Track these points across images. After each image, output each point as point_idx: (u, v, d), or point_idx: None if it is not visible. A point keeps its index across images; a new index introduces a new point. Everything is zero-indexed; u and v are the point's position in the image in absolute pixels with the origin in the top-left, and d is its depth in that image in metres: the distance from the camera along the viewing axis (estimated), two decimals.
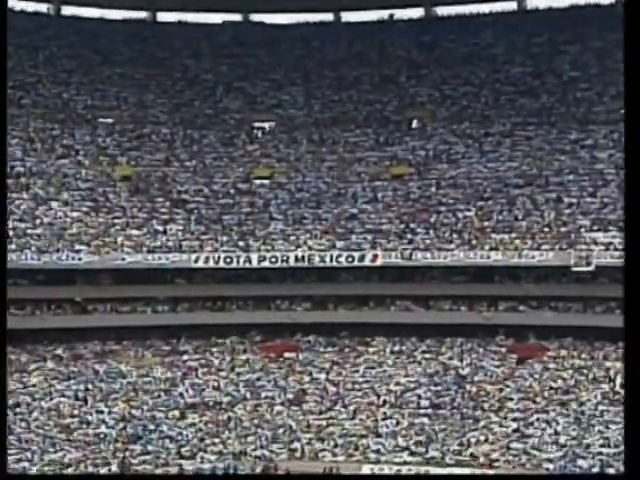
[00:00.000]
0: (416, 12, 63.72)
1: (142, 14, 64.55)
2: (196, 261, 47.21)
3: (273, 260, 47.29)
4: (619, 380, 42.21)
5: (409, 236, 48.57)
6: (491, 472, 37.76)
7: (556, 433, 39.57)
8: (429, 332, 47.18)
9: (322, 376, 45.50)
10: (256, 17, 65.15)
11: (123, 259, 47.17)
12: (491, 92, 57.09)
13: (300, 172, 53.98)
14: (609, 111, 53.32)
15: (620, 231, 45.76)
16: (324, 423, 42.15)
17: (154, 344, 47.73)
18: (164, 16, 64.91)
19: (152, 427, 41.90)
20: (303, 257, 47.19)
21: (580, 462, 37.78)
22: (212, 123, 57.43)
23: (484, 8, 62.34)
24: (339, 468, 39.12)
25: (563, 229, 47.03)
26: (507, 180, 50.96)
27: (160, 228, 49.49)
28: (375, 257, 47.10)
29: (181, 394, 44.39)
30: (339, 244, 48.13)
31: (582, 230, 46.60)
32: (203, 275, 48.22)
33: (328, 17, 64.44)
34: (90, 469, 38.41)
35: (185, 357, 47.02)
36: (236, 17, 65.04)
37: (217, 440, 41.26)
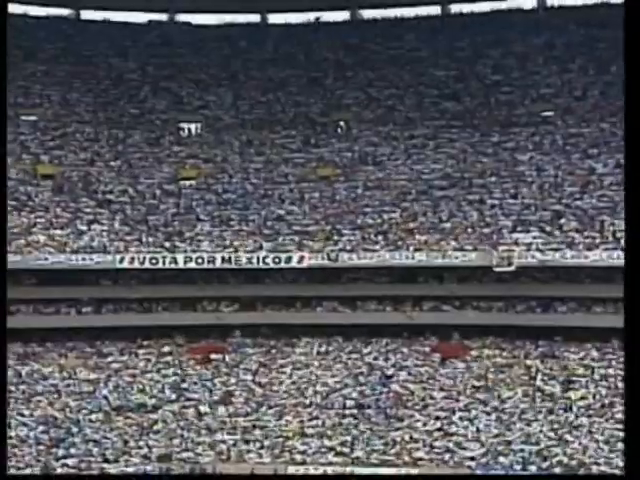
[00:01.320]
0: (342, 15, 64.15)
1: (65, 11, 63.67)
2: (121, 262, 46.82)
3: (199, 261, 47.16)
4: (539, 377, 43.17)
5: (335, 237, 48.90)
6: (415, 471, 38.21)
7: (478, 431, 40.23)
8: (355, 332, 47.54)
9: (248, 377, 45.52)
10: (182, 17, 64.78)
11: (46, 259, 46.58)
12: (415, 95, 57.73)
13: (227, 173, 53.92)
14: (530, 114, 54.40)
15: (540, 232, 46.87)
16: (250, 424, 42.20)
17: (78, 346, 47.19)
18: (88, 14, 64.14)
19: (75, 430, 41.44)
20: (230, 258, 47.16)
21: (502, 459, 38.46)
22: (137, 123, 56.96)
23: (409, 12, 63.04)
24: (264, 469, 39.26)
25: (485, 230, 47.84)
26: (431, 182, 51.64)
27: (84, 228, 48.96)
28: (302, 258, 47.30)
29: (105, 396, 43.98)
30: (266, 245, 48.20)
31: (504, 231, 47.45)
32: (128, 276, 47.84)
33: (255, 18, 64.44)
34: (12, 471, 37.78)
35: (110, 359, 46.60)
36: (162, 17, 64.60)
37: (142, 443, 40.98)
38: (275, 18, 64.46)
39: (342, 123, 56.86)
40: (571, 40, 57.95)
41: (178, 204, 51.54)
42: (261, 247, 48.06)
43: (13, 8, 59.12)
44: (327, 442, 40.67)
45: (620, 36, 58.84)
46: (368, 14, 63.78)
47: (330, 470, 38.94)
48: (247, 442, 41.06)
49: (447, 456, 39.03)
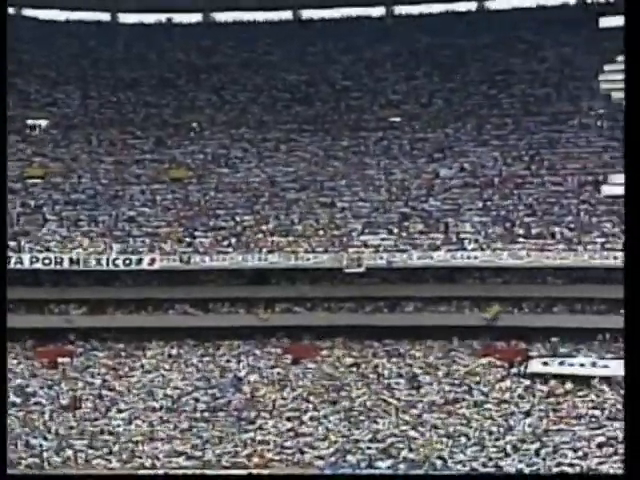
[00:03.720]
0: (194, 17, 63.95)
1: None
2: None
3: (46, 262, 46.15)
4: (387, 376, 44.24)
5: (187, 239, 48.74)
6: (265, 472, 38.51)
7: (327, 430, 40.91)
8: (207, 335, 47.47)
9: (97, 381, 44.83)
10: (29, 12, 63.11)
11: None
12: (268, 98, 58.22)
13: (76, 173, 52.94)
14: (378, 119, 55.71)
15: (388, 233, 48.08)
16: (99, 429, 41.58)
17: None
18: None
19: None
20: (78, 260, 46.31)
21: (349, 458, 39.21)
22: None
23: (261, 16, 63.47)
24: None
25: (336, 232, 48.68)
26: (283, 184, 52.18)
27: None
28: (153, 260, 46.93)
29: None
30: (116, 247, 47.59)
31: (354, 233, 48.43)
32: None
33: (105, 17, 63.43)
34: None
35: None
36: (8, 11, 62.70)
37: None
38: (126, 17, 63.68)
39: (194, 125, 56.72)
40: (417, 48, 59.71)
41: (24, 203, 50.32)
42: (111, 248, 47.42)
43: None
44: (177, 446, 40.50)
45: (464, 44, 61.54)
46: (221, 17, 63.92)
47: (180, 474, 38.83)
48: (95, 447, 40.46)
49: (297, 456, 39.50)
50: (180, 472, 38.77)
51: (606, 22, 36.74)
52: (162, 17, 63.66)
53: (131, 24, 63.45)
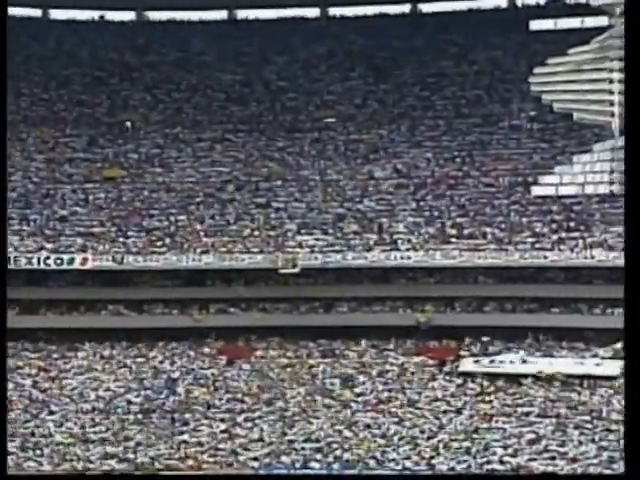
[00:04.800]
0: (127, 15, 63.37)
1: None
2: None
3: None
4: (321, 376, 44.44)
5: (121, 239, 48.38)
6: (203, 473, 38.37)
7: (262, 431, 40.92)
8: (141, 336, 47.19)
9: (28, 383, 44.27)
10: None
11: None
12: (203, 98, 58.01)
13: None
14: (314, 120, 55.88)
15: (323, 234, 48.29)
16: (29, 431, 41.04)
17: None
18: None
19: None
20: (9, 259, 45.60)
21: (284, 458, 39.28)
22: None
23: (195, 16, 63.17)
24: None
25: (271, 233, 48.75)
26: (218, 185, 52.06)
27: None
28: (85, 260, 46.52)
29: None
30: (47, 246, 47.05)
31: (289, 234, 48.54)
32: None
33: (36, 13, 62.49)
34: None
35: None
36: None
37: None
38: (57, 14, 62.84)
39: (128, 124, 56.24)
40: (351, 49, 60.02)
41: None
42: (42, 248, 46.85)
43: None
44: (110, 448, 40.18)
45: (397, 47, 62.03)
46: (154, 16, 63.45)
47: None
48: (26, 449, 39.92)
49: (231, 458, 39.46)
50: (180, 473, 38.58)
51: (536, 25, 37.36)
52: (95, 14, 62.95)
53: (63, 20, 62.63)
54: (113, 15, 63.31)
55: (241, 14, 63.15)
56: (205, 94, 58.30)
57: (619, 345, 44.09)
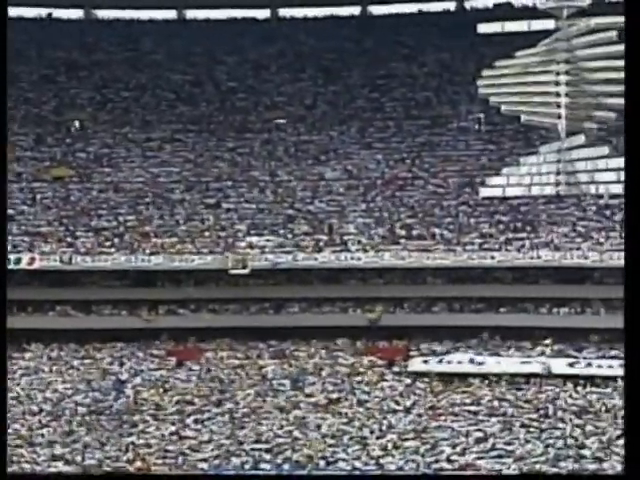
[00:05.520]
0: (76, 13, 62.79)
1: None
2: None
3: None
4: (271, 377, 44.48)
5: (69, 239, 47.99)
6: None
7: (212, 433, 40.82)
8: (89, 337, 46.83)
9: None
10: None
11: None
12: (152, 98, 57.66)
13: None
14: (264, 121, 55.85)
15: (273, 235, 48.32)
16: None
17: None
18: None
19: None
20: None
21: (234, 460, 39.20)
22: None
23: (144, 15, 62.86)
24: None
25: (221, 233, 48.68)
26: (167, 185, 51.84)
27: None
28: (32, 260, 46.03)
29: None
30: None
31: (239, 234, 48.49)
32: None
33: None
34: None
35: None
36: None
37: None
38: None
39: (76, 123, 55.77)
40: (302, 50, 60.10)
41: None
42: None
43: None
44: (57, 450, 39.78)
45: (347, 48, 62.18)
46: (103, 14, 62.96)
47: None
48: None
49: (180, 460, 39.29)
50: (180, 473, 38.38)
51: (484, 28, 37.72)
52: (42, 12, 62.27)
53: (9, 18, 61.67)
54: (61, 13, 62.69)
55: (190, 14, 62.95)
56: (154, 94, 57.98)
57: (564, 344, 44.82)
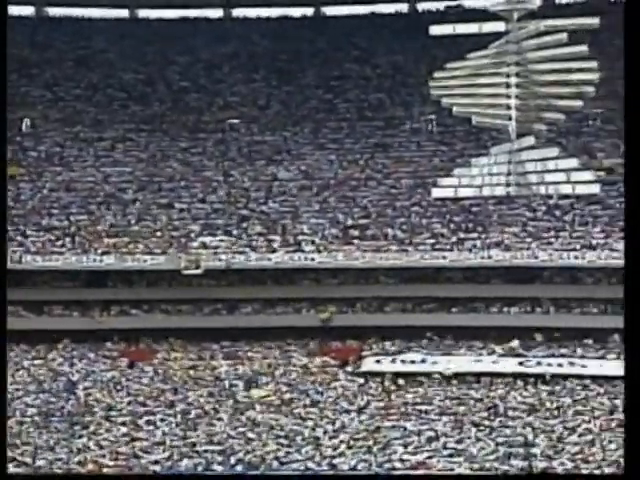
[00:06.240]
0: (26, 10, 62.11)
1: None
2: None
3: None
4: (224, 378, 44.35)
5: (19, 238, 47.49)
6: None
7: (164, 434, 40.58)
8: (39, 338, 46.38)
9: None
10: None
11: None
12: (104, 97, 57.30)
13: None
14: (217, 121, 55.68)
15: (227, 235, 48.20)
16: None
17: None
18: None
19: None
20: None
21: (185, 462, 38.95)
22: None
23: (96, 13, 62.36)
24: None
25: (174, 233, 48.48)
26: (120, 185, 51.52)
27: None
28: None
29: None
30: None
31: (192, 235, 48.31)
32: None
33: None
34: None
35: None
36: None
37: None
38: None
39: (27, 121, 55.18)
40: (255, 51, 60.04)
41: None
42: None
43: None
44: (8, 452, 39.16)
45: (301, 49, 62.23)
46: (54, 12, 62.38)
47: None
48: None
49: (133, 462, 38.99)
50: (179, 472, 38.00)
51: (436, 30, 37.89)
52: None
53: None
54: (12, 10, 61.82)
55: (143, 13, 62.61)
56: (106, 93, 57.62)
57: (514, 343, 45.33)
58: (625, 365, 27.53)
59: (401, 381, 43.44)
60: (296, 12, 62.61)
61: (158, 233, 48.44)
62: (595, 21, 32.81)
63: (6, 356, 36.78)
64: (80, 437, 40.25)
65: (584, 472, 36.99)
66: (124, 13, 62.61)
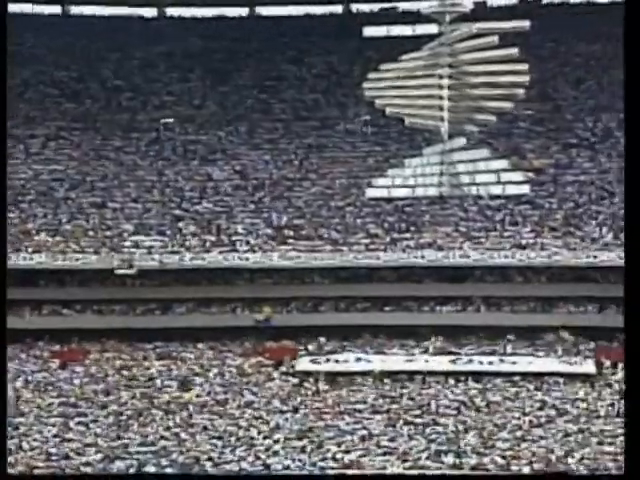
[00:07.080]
0: None
1: None
2: None
3: None
4: (157, 378, 44.10)
5: None
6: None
7: (96, 435, 40.22)
8: None
9: None
10: None
11: None
12: (36, 94, 56.47)
13: None
14: (151, 120, 55.16)
15: (160, 235, 47.89)
16: None
17: None
18: None
19: None
20: None
21: (118, 463, 38.67)
22: None
23: (27, 8, 61.38)
24: None
25: (107, 233, 48.03)
26: (51, 183, 50.87)
27: None
28: None
29: None
30: None
31: (125, 234, 47.91)
32: None
33: None
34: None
35: None
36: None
37: None
38: None
39: None
40: (190, 50, 59.70)
41: None
42: None
43: None
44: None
45: (236, 49, 61.79)
46: None
47: None
48: None
49: (64, 463, 38.57)
50: (180, 472, 37.75)
51: (370, 32, 38.13)
52: None
53: None
54: None
55: (75, 10, 61.87)
56: (38, 90, 56.81)
57: (438, 342, 45.75)
58: (625, 365, 27.75)
59: (335, 380, 43.64)
60: (231, 12, 62.47)
61: (90, 232, 47.96)
62: (526, 24, 33.35)
63: (6, 356, 36.39)
64: (11, 438, 39.59)
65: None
66: (57, 9, 61.80)
